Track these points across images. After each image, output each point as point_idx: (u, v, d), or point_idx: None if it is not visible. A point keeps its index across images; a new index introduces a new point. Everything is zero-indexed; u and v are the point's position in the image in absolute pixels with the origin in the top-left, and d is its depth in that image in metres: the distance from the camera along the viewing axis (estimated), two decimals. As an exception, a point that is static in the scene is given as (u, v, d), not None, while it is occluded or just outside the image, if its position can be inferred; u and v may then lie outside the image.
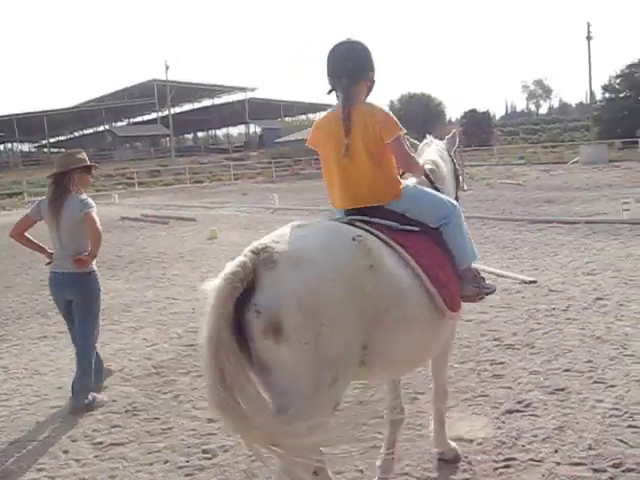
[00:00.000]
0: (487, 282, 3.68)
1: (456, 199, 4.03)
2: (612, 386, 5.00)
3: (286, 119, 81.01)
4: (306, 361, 2.56)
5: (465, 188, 21.45)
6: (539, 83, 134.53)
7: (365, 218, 3.26)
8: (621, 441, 4.12)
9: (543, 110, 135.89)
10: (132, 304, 8.92)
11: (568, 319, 6.89)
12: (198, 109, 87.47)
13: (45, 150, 78.36)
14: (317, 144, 3.51)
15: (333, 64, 3.38)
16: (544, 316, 7.05)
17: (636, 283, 8.16)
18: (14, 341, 7.58)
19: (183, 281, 10.40)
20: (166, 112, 70.97)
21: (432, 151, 4.24)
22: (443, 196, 3.67)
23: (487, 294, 3.65)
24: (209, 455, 4.40)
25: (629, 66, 57.64)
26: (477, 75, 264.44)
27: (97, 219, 5.42)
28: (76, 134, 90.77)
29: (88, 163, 5.72)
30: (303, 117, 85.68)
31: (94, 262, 5.54)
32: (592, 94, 58.25)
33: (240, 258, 2.61)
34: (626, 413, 4.50)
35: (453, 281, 3.39)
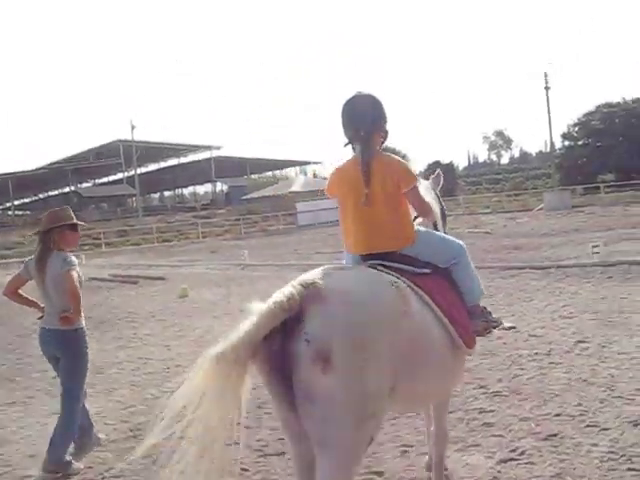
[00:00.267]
0: (493, 316, 3.81)
1: None
2: (605, 429, 4.90)
3: (252, 176, 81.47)
4: (351, 392, 2.70)
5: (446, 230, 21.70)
6: (499, 134, 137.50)
7: (385, 263, 3.42)
8: (622, 486, 4.01)
9: (504, 160, 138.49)
10: (105, 365, 8.63)
11: (552, 363, 6.82)
12: (164, 168, 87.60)
13: (10, 213, 77.47)
14: (336, 192, 3.66)
15: (352, 117, 3.57)
16: (527, 361, 6.98)
17: (615, 324, 8.16)
18: (-19, 409, 7.24)
19: (155, 340, 10.14)
20: (132, 172, 70.89)
21: (422, 191, 4.23)
22: (450, 237, 3.86)
23: (495, 328, 3.80)
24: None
25: (586, 114, 59.37)
26: (439, 127, 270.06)
27: (76, 277, 5.36)
28: (41, 196, 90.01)
29: (67, 222, 5.61)
30: (269, 174, 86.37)
31: (82, 320, 5.50)
32: (552, 143, 59.64)
33: (288, 289, 2.78)
34: (623, 456, 4.40)
35: (465, 318, 3.53)
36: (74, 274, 5.36)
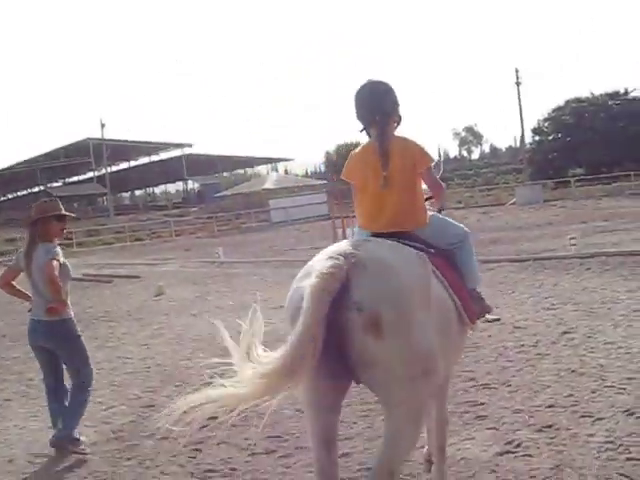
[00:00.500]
0: (487, 302, 3.94)
1: None
2: (600, 419, 4.85)
3: (224, 174, 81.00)
4: (403, 354, 2.84)
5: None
6: (470, 130, 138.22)
7: (400, 240, 3.46)
8: (623, 475, 3.96)
9: (475, 155, 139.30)
10: (82, 366, 8.41)
11: (539, 354, 6.77)
12: (135, 167, 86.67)
13: (-23, 213, 76.08)
14: (353, 176, 3.77)
15: (369, 103, 3.69)
16: (514, 353, 6.93)
17: (598, 315, 8.15)
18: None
19: (133, 339, 9.93)
20: (103, 171, 70.03)
21: None
22: (456, 222, 4.00)
23: (487, 313, 3.98)
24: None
25: (555, 109, 59.89)
26: (409, 123, 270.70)
27: (55, 265, 5.37)
28: (10, 196, 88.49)
29: (53, 213, 5.66)
30: (241, 171, 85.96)
31: (70, 310, 5.55)
32: (523, 138, 60.07)
33: (332, 261, 2.86)
34: (621, 446, 4.35)
35: (467, 297, 3.62)
36: (54, 263, 5.37)
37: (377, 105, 3.67)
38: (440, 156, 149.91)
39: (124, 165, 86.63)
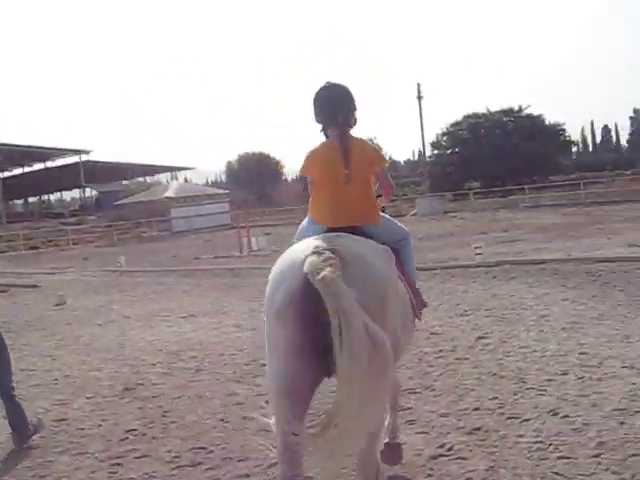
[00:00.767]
0: (424, 296, 4.24)
1: None
2: (526, 420, 4.93)
3: (123, 182, 78.88)
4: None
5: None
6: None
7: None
8: (556, 474, 4.02)
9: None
10: (-18, 380, 7.86)
11: (458, 359, 6.86)
12: (29, 173, 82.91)
13: None
14: (311, 172, 3.89)
15: (331, 105, 3.83)
16: (434, 358, 6.98)
17: (510, 320, 8.37)
18: None
19: (36, 351, 9.39)
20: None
21: None
22: (397, 221, 4.20)
23: (425, 307, 4.26)
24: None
25: (454, 124, 61.99)
26: (311, 134, 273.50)
27: None
28: None
29: None
30: (141, 179, 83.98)
31: None
32: (423, 151, 61.57)
33: (324, 256, 2.94)
34: (550, 445, 4.42)
35: (415, 290, 3.95)
36: None
37: (339, 108, 3.82)
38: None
39: (17, 171, 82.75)
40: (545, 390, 5.58)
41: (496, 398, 5.49)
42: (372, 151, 3.91)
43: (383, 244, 3.61)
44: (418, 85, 54.82)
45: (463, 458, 4.39)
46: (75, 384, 7.26)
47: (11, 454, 5.34)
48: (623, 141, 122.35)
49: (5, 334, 10.95)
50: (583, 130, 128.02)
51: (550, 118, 62.15)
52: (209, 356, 8.00)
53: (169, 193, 54.46)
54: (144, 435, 5.46)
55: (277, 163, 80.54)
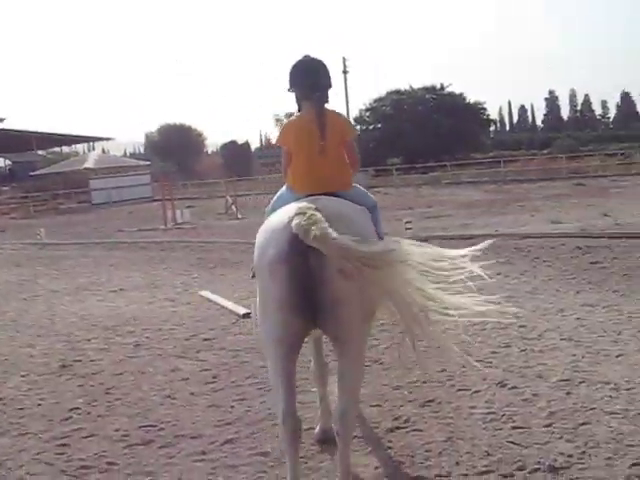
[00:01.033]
0: None
1: None
2: (477, 392, 5.04)
3: (39, 152, 75.80)
4: (363, 294, 3.33)
5: (239, 217, 21.36)
6: (291, 116, 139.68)
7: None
8: (512, 443, 4.12)
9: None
10: None
11: (401, 333, 6.86)
12: None
13: None
14: (287, 142, 4.14)
15: (311, 79, 4.11)
16: (378, 332, 6.98)
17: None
18: None
19: (-42, 328, 8.95)
20: None
21: None
22: (367, 191, 4.48)
23: None
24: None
25: (377, 100, 62.42)
26: (234, 106, 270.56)
27: None
28: None
29: None
30: (57, 149, 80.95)
31: None
32: (348, 126, 61.58)
33: (308, 214, 3.19)
34: (504, 416, 4.53)
35: None
36: None
37: (317, 82, 4.11)
38: (262, 141, 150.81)
39: None
40: (491, 362, 5.71)
41: (445, 371, 5.58)
42: (344, 121, 4.22)
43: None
44: (344, 59, 54.90)
45: (420, 430, 4.44)
46: (7, 362, 6.95)
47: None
48: (539, 121, 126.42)
49: None
50: (501, 110, 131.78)
51: (470, 98, 63.56)
52: (147, 331, 7.81)
53: (88, 164, 52.69)
54: (88, 414, 5.28)
55: (199, 135, 79.17)
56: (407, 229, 14.56)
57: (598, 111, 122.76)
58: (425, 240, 13.15)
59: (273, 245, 3.36)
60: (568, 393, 4.86)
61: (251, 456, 4.28)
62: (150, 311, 8.94)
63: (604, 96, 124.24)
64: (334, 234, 3.06)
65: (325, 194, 3.84)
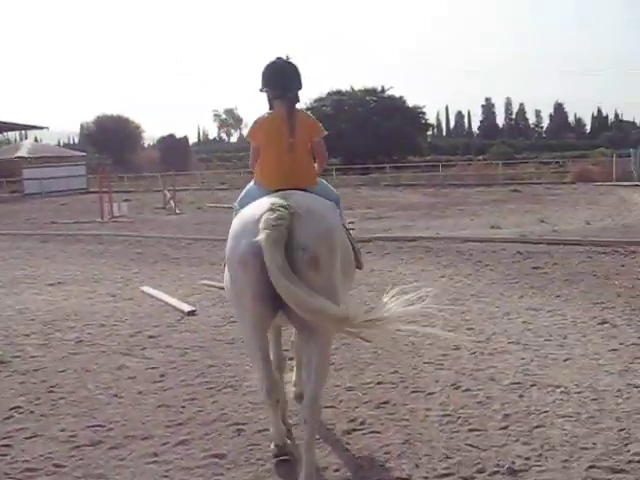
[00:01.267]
0: None
1: None
2: (431, 394, 5.06)
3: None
4: (333, 284, 3.61)
5: (177, 212, 21.03)
6: (230, 112, 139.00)
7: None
8: (470, 445, 4.15)
9: (234, 139, 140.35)
10: None
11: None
12: None
13: None
14: (257, 138, 4.38)
15: (283, 81, 4.39)
16: (326, 332, 6.99)
17: (393, 295, 8.53)
18: None
19: None
20: None
21: None
22: (330, 186, 4.72)
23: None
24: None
25: (317, 100, 62.63)
26: (171, 100, 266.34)
27: None
28: None
29: None
30: (-14, 136, 77.98)
31: None
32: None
33: (277, 213, 3.45)
34: (459, 418, 4.56)
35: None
36: None
37: (289, 83, 4.39)
38: (200, 136, 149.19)
39: None
40: (442, 364, 5.75)
41: (397, 372, 5.59)
42: (313, 122, 4.44)
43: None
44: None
45: (377, 432, 4.42)
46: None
47: None
48: (475, 127, 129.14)
49: None
50: (438, 114, 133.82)
51: (410, 102, 64.42)
52: (88, 327, 7.57)
53: (21, 153, 50.90)
54: (31, 412, 5.07)
55: (137, 127, 77.65)
56: (351, 230, 14.59)
57: (532, 120, 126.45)
58: (369, 241, 13.47)
59: (246, 237, 3.56)
60: (521, 396, 4.93)
61: (206, 458, 4.18)
62: (91, 306, 8.67)
63: (538, 105, 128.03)
64: (273, 249, 3.35)
65: (293, 189, 4.05)
